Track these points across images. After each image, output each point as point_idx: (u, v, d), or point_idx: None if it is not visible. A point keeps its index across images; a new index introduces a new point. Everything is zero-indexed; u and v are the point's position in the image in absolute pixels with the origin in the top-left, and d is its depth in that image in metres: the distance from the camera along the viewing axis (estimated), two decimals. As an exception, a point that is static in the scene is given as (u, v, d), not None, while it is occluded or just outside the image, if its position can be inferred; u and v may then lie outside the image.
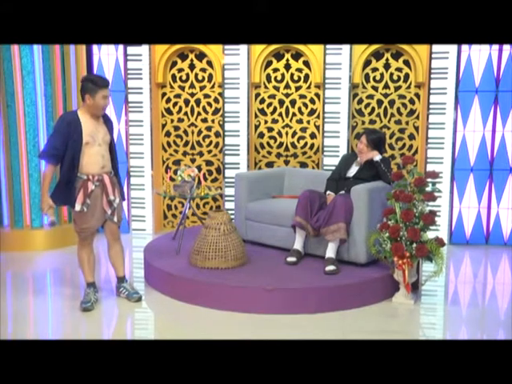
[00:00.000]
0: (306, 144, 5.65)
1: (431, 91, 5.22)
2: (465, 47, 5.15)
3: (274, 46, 5.48)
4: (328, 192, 4.23)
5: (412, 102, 5.47)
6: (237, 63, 5.43)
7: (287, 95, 5.62)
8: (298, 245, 4.08)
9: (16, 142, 5.08)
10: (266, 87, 5.64)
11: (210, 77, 5.71)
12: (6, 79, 5.01)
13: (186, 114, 5.81)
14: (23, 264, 4.76)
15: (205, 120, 5.79)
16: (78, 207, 3.45)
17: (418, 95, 5.46)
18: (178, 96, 5.79)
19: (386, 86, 5.49)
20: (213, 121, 5.78)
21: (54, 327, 3.47)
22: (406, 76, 5.44)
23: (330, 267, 3.81)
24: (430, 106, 5.24)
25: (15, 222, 5.21)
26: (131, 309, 3.69)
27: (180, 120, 5.83)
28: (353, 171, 4.20)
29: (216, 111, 5.75)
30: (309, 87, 5.59)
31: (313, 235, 4.02)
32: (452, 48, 5.12)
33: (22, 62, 4.99)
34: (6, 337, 3.21)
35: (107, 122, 3.60)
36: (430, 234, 3.74)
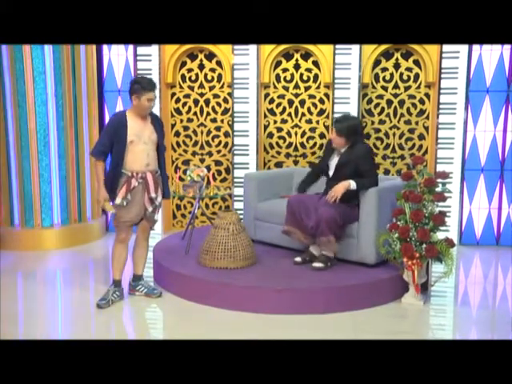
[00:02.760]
0: (315, 144, 5.64)
1: (441, 91, 5.19)
2: (476, 47, 5.12)
3: (283, 46, 5.48)
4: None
5: (422, 101, 5.45)
6: (246, 63, 5.43)
7: (296, 95, 5.62)
8: (313, 248, 4.06)
9: (27, 142, 5.12)
10: (275, 87, 5.63)
11: (220, 77, 5.72)
12: (18, 80, 5.05)
13: (195, 113, 5.82)
14: (34, 263, 4.79)
15: (214, 120, 5.80)
16: (118, 201, 3.55)
17: (428, 95, 5.43)
18: (187, 96, 5.81)
19: (396, 86, 5.47)
20: (222, 121, 5.79)
21: (64, 327, 3.48)
22: (416, 76, 5.42)
23: (318, 264, 3.88)
24: (440, 106, 5.22)
25: (26, 221, 5.25)
26: (140, 308, 3.70)
27: (189, 120, 5.85)
28: (332, 166, 3.99)
29: (225, 111, 5.76)
30: (318, 87, 5.58)
31: (307, 241, 4.01)
32: (463, 48, 5.09)
33: (34, 62, 5.03)
34: (17, 336, 3.24)
35: (155, 122, 3.69)
36: (440, 235, 3.72)
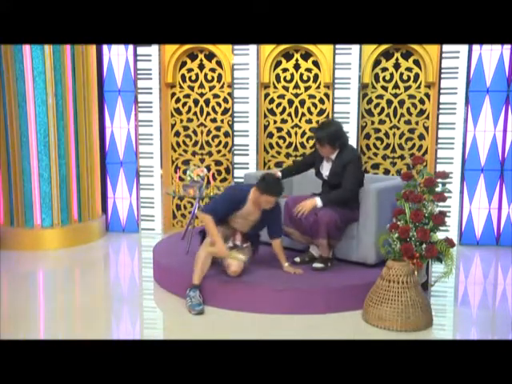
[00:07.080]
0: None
1: (441, 91, 5.19)
2: (476, 47, 5.12)
3: (283, 46, 5.48)
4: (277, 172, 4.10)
5: (422, 101, 5.45)
6: (246, 63, 5.43)
7: (296, 95, 5.62)
8: (312, 248, 4.06)
9: (27, 142, 5.12)
10: (275, 87, 5.63)
11: (220, 77, 5.72)
12: (18, 80, 5.05)
13: (195, 113, 5.82)
14: (34, 263, 4.79)
15: (214, 120, 5.80)
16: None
17: (428, 95, 5.43)
18: (187, 96, 5.81)
19: (396, 86, 5.47)
20: (222, 121, 5.79)
21: (64, 327, 3.48)
22: (416, 76, 5.42)
23: (318, 265, 3.88)
24: (440, 106, 5.22)
25: (26, 221, 5.25)
26: (140, 308, 3.70)
27: (189, 120, 5.85)
28: (326, 170, 3.96)
29: (225, 111, 5.76)
30: (318, 87, 5.58)
31: (305, 241, 4.00)
32: (463, 47, 5.09)
33: (34, 62, 5.03)
34: (17, 336, 3.24)
35: (270, 210, 3.71)
36: (440, 235, 3.71)
